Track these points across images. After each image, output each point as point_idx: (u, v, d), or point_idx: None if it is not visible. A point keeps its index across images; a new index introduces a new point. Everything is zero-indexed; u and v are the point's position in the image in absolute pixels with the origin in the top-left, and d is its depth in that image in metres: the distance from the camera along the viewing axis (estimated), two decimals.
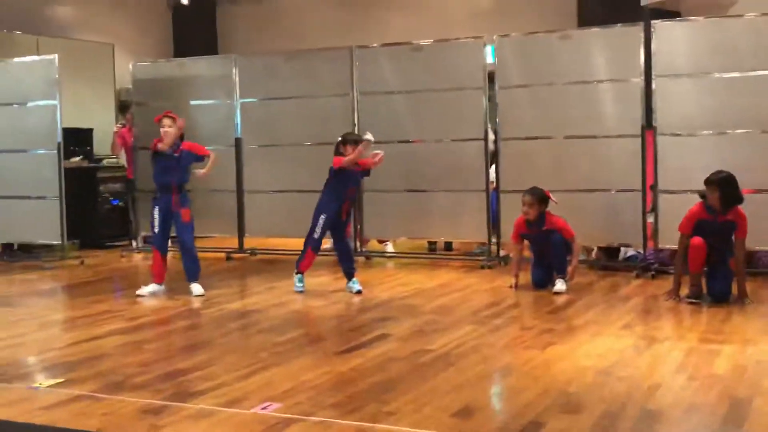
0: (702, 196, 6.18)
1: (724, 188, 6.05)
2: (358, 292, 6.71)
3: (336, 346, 5.08)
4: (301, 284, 6.85)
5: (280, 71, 9.06)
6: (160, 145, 6.76)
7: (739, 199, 6.10)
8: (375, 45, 8.90)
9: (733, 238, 6.14)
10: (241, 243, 9.23)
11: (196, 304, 6.53)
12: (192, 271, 6.86)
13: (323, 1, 12.71)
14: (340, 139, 6.92)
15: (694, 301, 6.08)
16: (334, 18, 12.48)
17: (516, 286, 6.81)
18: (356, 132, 7.87)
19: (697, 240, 6.08)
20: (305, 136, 8.90)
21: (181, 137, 6.91)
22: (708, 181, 6.09)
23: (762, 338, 5.02)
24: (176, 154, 6.81)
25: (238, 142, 9.17)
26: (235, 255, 9.16)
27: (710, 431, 3.56)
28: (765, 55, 7.08)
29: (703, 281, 6.22)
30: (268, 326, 5.65)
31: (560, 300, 6.38)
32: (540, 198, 6.74)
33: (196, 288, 6.79)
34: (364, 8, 12.36)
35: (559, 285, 6.65)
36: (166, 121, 6.79)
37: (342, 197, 6.83)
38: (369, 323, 5.73)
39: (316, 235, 6.78)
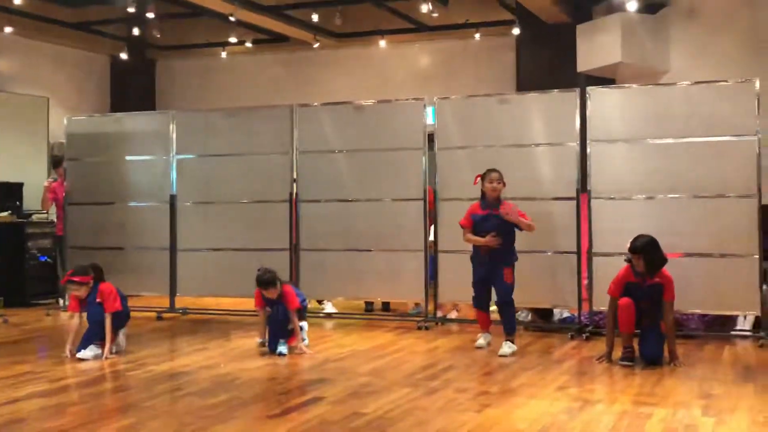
0: (628, 260, 6.26)
1: (648, 254, 6.15)
2: (281, 354, 6.59)
3: (267, 410, 4.94)
4: None
5: (219, 128, 8.99)
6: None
7: (663, 260, 6.20)
8: (316, 104, 8.92)
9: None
10: (172, 302, 9.01)
11: (123, 365, 6.31)
12: None
13: (265, 59, 12.79)
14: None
15: (626, 363, 6.11)
16: (276, 76, 12.55)
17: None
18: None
19: (625, 301, 6.16)
20: (243, 194, 8.80)
21: (97, 280, 6.73)
22: (632, 250, 6.16)
23: (693, 401, 5.04)
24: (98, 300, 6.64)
25: (172, 199, 9.02)
26: (165, 314, 8.93)
27: None
28: (696, 123, 7.27)
29: (636, 344, 6.26)
30: (197, 389, 5.46)
31: (496, 362, 6.33)
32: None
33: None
34: (305, 67, 12.47)
35: (505, 348, 6.61)
36: (72, 287, 6.65)
37: None
38: (302, 386, 5.61)
39: None
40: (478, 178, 6.95)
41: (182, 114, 9.34)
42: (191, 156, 9.08)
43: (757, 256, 7.01)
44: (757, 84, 7.10)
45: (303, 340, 6.82)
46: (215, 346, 7.05)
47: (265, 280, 6.74)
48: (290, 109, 8.73)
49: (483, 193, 6.93)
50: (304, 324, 6.97)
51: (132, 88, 13.06)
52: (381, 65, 12.16)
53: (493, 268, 6.84)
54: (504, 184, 6.91)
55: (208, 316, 8.90)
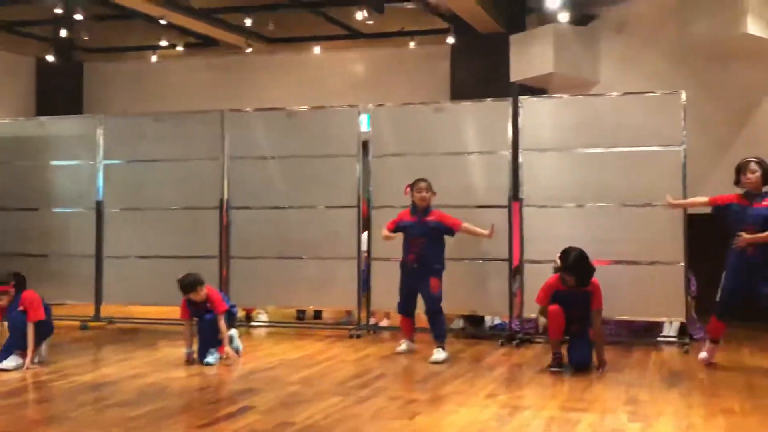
0: (557, 269, 6.32)
1: (580, 270, 6.20)
2: (209, 364, 6.47)
3: (195, 420, 4.81)
4: None
5: (148, 133, 8.82)
6: None
7: (592, 270, 6.27)
8: (248, 109, 8.81)
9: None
10: (97, 311, 8.77)
11: (46, 376, 6.10)
12: None
13: (196, 64, 12.60)
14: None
15: (555, 369, 6.17)
16: (207, 81, 12.38)
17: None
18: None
19: (554, 308, 6.23)
20: (172, 201, 8.64)
21: (20, 288, 6.52)
22: (565, 268, 6.20)
23: (620, 407, 5.10)
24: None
25: (99, 205, 8.80)
26: (90, 323, 8.68)
27: None
28: (625, 133, 7.40)
29: (564, 350, 6.34)
30: (122, 400, 5.31)
31: (427, 369, 6.32)
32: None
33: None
34: (237, 72, 12.33)
35: (437, 355, 6.63)
36: None
37: None
38: (231, 396, 5.51)
39: None
40: (408, 189, 6.97)
41: (110, 118, 9.14)
42: (119, 161, 8.88)
43: (683, 264, 7.16)
44: (683, 96, 7.27)
45: (236, 348, 6.72)
46: (142, 356, 6.89)
47: (189, 282, 6.62)
48: (221, 114, 8.61)
49: (413, 202, 6.95)
50: (234, 331, 6.85)
51: (59, 91, 12.72)
52: (315, 72, 12.08)
53: (420, 276, 6.87)
54: (434, 193, 6.97)
55: (135, 325, 8.69)
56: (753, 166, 6.21)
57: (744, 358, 6.75)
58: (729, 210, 6.33)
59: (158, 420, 4.78)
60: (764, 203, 6.20)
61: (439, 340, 6.79)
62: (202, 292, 6.62)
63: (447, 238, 7.03)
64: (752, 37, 7.90)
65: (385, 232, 7.01)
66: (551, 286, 6.34)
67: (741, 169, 6.28)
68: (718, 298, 6.41)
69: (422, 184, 6.93)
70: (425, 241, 6.87)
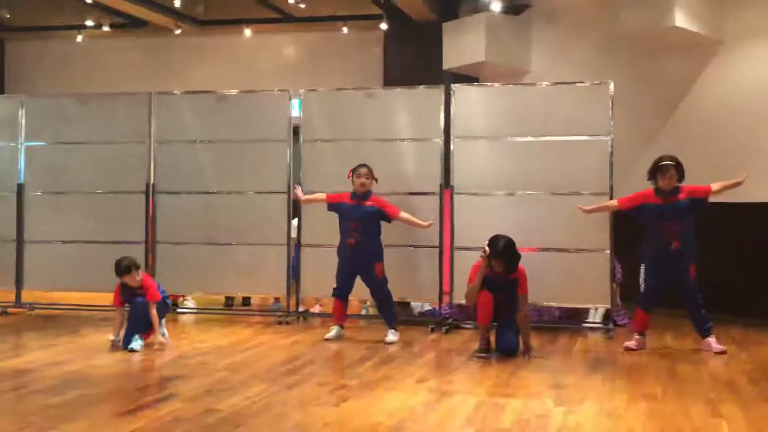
0: (485, 255, 6.36)
1: (509, 257, 6.27)
2: (133, 350, 6.35)
3: (118, 408, 4.70)
4: None
5: (73, 114, 8.55)
6: None
7: (519, 257, 6.34)
8: (177, 92, 8.62)
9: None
10: (18, 296, 8.50)
11: None
12: None
13: (123, 45, 12.28)
14: None
15: (482, 355, 6.22)
16: (134, 62, 12.09)
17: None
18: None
19: (484, 295, 6.28)
20: (97, 184, 8.42)
21: None
22: (496, 255, 6.25)
23: (545, 392, 5.16)
24: None
25: (20, 188, 8.52)
26: (11, 309, 8.41)
27: None
28: (555, 122, 7.48)
29: (492, 336, 6.41)
30: (43, 387, 5.14)
31: (357, 355, 6.31)
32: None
33: None
34: (166, 54, 12.07)
35: (390, 336, 6.81)
36: None
37: None
38: (156, 383, 5.39)
39: None
40: (350, 173, 7.02)
41: (32, 99, 8.81)
42: (42, 143, 8.60)
43: (608, 252, 7.29)
44: (612, 86, 7.38)
45: (163, 334, 6.60)
46: (64, 342, 6.71)
47: (125, 264, 6.51)
48: (148, 96, 8.41)
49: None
50: (162, 319, 6.72)
51: None
52: (246, 55, 11.90)
53: (361, 262, 6.92)
54: (375, 180, 7.05)
55: (58, 311, 8.45)
56: (672, 171, 6.47)
57: (667, 344, 6.90)
58: (645, 209, 6.54)
59: (80, 407, 4.65)
60: (679, 197, 6.48)
61: (391, 323, 6.94)
62: (138, 277, 6.52)
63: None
64: (681, 30, 8.05)
65: (312, 196, 7.11)
66: (481, 268, 6.38)
67: (659, 171, 6.50)
68: (641, 290, 6.56)
69: (363, 170, 7.01)
70: (363, 225, 6.94)
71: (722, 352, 6.35)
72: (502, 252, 6.24)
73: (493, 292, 6.29)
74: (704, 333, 6.54)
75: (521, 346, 6.32)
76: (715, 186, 6.50)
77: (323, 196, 7.22)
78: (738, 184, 6.51)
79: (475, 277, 6.34)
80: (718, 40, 8.26)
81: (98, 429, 4.20)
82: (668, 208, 6.47)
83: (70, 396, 4.91)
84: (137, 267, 6.57)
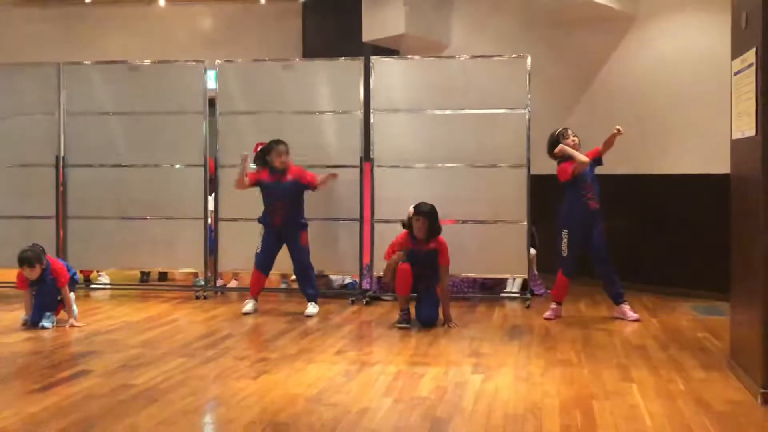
0: (407, 225, 6.39)
1: (431, 219, 6.32)
2: (44, 327, 6.17)
3: (29, 385, 4.55)
4: None
5: None
6: None
7: (439, 230, 6.41)
8: (87, 62, 8.33)
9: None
10: None
11: None
12: None
13: (30, 13, 11.79)
14: None
15: (403, 325, 6.25)
16: (42, 32, 11.62)
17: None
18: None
19: (402, 266, 6.30)
20: (4, 157, 8.12)
21: None
22: (418, 212, 6.31)
23: (464, 360, 5.21)
24: None
25: None
26: None
27: None
28: (474, 95, 7.53)
29: (412, 307, 6.45)
30: None
31: (276, 328, 6.25)
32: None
33: None
34: (76, 24, 11.65)
35: (311, 308, 6.83)
36: None
37: None
38: (68, 359, 5.23)
39: None
40: (258, 147, 7.00)
41: None
42: None
43: (525, 223, 7.40)
44: (528, 61, 7.46)
45: (73, 312, 6.40)
46: None
47: (24, 257, 6.20)
48: (57, 67, 8.12)
49: (273, 165, 6.96)
50: (71, 295, 6.51)
51: None
52: (160, 25, 11.58)
53: (285, 232, 6.92)
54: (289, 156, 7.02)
55: None
56: (570, 132, 6.69)
57: (581, 311, 7.06)
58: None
59: None
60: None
61: (311, 297, 6.93)
62: (36, 272, 6.22)
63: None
64: (594, 4, 8.17)
65: (241, 180, 6.94)
66: (400, 243, 6.40)
67: (561, 136, 6.69)
68: (564, 255, 6.67)
69: (282, 148, 6.94)
70: (287, 201, 6.92)
71: (637, 320, 6.53)
72: (427, 212, 6.30)
73: (415, 265, 6.31)
74: (618, 300, 6.71)
75: (441, 316, 6.37)
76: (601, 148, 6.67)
77: (244, 180, 6.99)
78: (611, 140, 6.60)
79: (394, 255, 6.35)
80: (633, 15, 8.42)
81: (6, 407, 4.07)
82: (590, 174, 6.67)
83: None
84: (39, 261, 6.22)
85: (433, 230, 6.36)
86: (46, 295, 6.27)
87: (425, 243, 6.37)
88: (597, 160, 6.70)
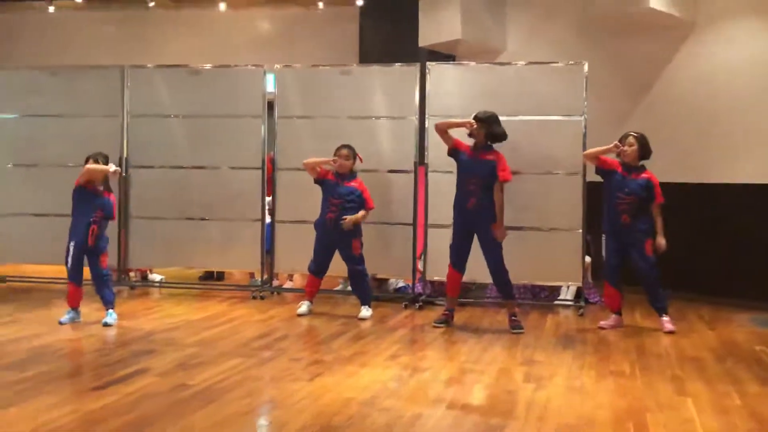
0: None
1: (488, 124, 6.54)
2: (106, 324, 6.32)
3: (87, 383, 4.69)
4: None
5: (42, 87, 8.44)
6: None
7: (502, 136, 6.60)
8: (150, 65, 8.53)
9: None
10: None
11: None
12: None
13: (96, 16, 12.09)
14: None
15: (439, 325, 6.47)
16: (107, 35, 11.91)
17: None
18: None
19: (453, 273, 6.52)
20: (68, 157, 8.29)
21: None
22: (475, 118, 6.52)
23: (515, 368, 5.22)
24: None
25: None
26: None
27: None
28: (528, 101, 7.50)
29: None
30: (9, 362, 5.10)
31: (331, 330, 6.33)
32: None
33: None
34: (139, 27, 11.91)
35: (364, 312, 6.87)
36: None
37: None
38: (128, 357, 5.35)
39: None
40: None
41: (2, 72, 8.69)
42: (12, 116, 8.51)
43: (581, 231, 7.35)
44: (586, 67, 7.41)
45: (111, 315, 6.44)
46: (34, 317, 6.65)
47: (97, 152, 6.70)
48: (121, 69, 8.32)
49: None
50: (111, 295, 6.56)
51: None
52: (220, 29, 11.79)
53: (339, 238, 6.94)
54: (359, 159, 7.07)
55: (29, 284, 8.39)
56: (630, 139, 6.59)
57: (636, 321, 6.99)
58: (613, 175, 6.61)
59: (47, 383, 4.61)
60: (642, 176, 6.56)
61: (365, 301, 6.98)
62: (101, 165, 6.57)
63: None
64: (655, 12, 8.08)
65: (315, 167, 7.04)
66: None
67: (620, 141, 6.62)
68: (604, 260, 6.66)
69: (343, 152, 7.00)
70: (343, 203, 6.95)
71: (671, 332, 6.43)
72: (486, 117, 6.48)
73: (468, 176, 6.45)
74: (659, 311, 6.63)
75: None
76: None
77: (323, 162, 7.07)
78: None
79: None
80: (692, 21, 8.31)
81: (66, 405, 4.17)
82: (628, 182, 6.57)
83: (38, 371, 4.87)
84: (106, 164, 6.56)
85: (494, 136, 6.46)
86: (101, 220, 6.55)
87: (483, 151, 6.47)
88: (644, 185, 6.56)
